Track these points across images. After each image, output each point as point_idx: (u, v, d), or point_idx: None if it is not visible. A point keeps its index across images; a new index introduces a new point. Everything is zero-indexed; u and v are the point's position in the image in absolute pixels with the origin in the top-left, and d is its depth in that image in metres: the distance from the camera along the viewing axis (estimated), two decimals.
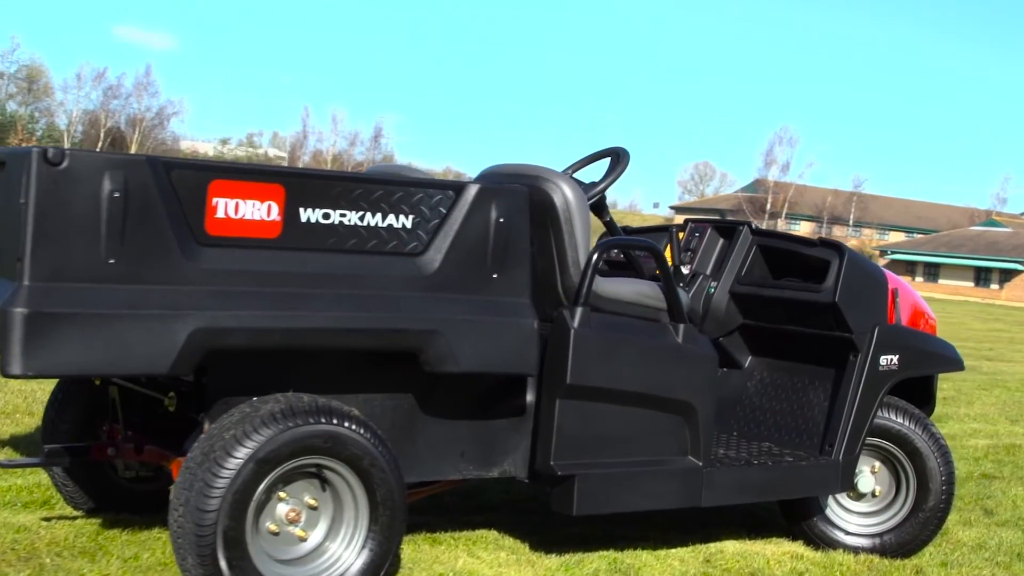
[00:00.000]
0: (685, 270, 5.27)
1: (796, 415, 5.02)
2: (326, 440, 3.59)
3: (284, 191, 3.56)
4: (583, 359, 4.07)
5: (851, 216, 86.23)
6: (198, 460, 3.49)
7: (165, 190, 3.38)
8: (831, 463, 4.77)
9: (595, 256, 4.13)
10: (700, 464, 4.40)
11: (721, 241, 5.30)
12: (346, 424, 3.63)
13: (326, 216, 3.64)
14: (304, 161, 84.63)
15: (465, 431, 4.18)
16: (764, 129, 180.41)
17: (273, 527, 3.63)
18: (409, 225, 3.77)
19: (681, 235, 5.45)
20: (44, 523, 4.34)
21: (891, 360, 4.87)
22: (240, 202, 3.51)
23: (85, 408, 4.41)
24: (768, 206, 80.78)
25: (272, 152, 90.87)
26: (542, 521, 5.05)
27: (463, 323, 3.80)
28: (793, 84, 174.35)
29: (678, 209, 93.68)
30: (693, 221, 5.51)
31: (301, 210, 3.60)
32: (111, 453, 4.12)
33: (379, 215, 3.72)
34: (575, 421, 4.13)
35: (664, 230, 5.56)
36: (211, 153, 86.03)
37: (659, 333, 4.31)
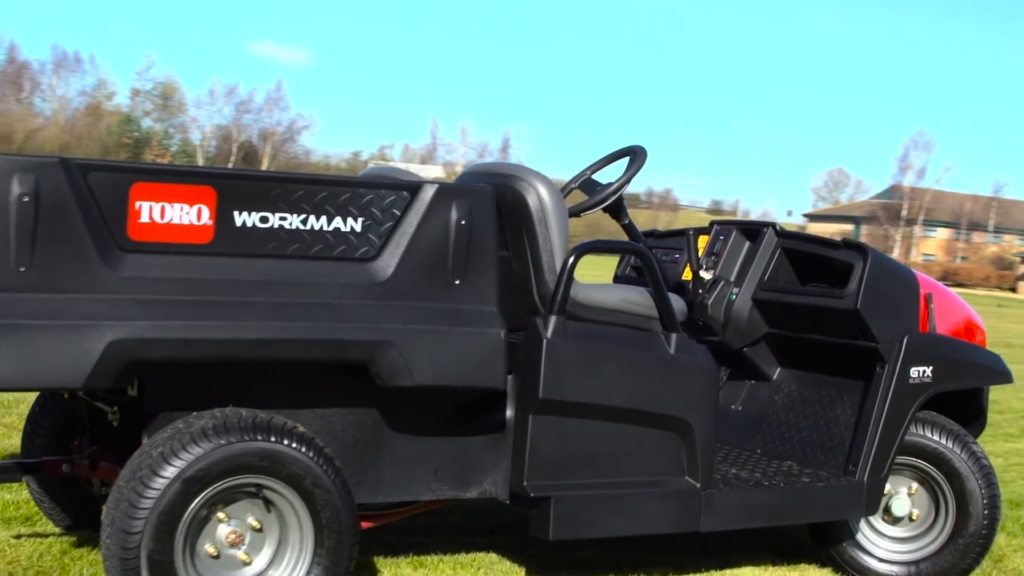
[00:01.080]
0: (708, 275, 4.93)
1: (822, 431, 4.63)
2: (262, 458, 3.37)
3: (215, 194, 3.35)
4: (557, 372, 3.77)
5: (991, 222, 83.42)
6: (126, 478, 3.31)
7: (81, 193, 3.20)
8: (855, 484, 4.38)
9: (571, 260, 3.84)
10: (698, 485, 4.05)
11: (747, 244, 4.94)
12: (285, 441, 3.40)
13: (264, 220, 3.42)
14: (434, 172, 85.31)
15: (438, 448, 3.91)
16: (899, 134, 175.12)
17: (212, 550, 3.42)
18: (359, 229, 3.53)
19: (705, 238, 5.11)
20: (14, 540, 4.22)
21: (923, 372, 4.46)
22: (166, 206, 3.31)
23: (60, 422, 4.28)
24: (904, 212, 78.64)
25: (403, 165, 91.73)
26: (550, 544, 4.74)
27: (418, 333, 3.54)
28: (929, 87, 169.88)
29: (811, 217, 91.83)
30: (719, 223, 5.16)
31: (235, 214, 3.38)
32: (66, 469, 3.96)
33: (324, 218, 3.49)
34: (550, 438, 3.83)
35: (701, 232, 5.22)
36: (343, 167, 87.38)
37: (647, 343, 3.98)
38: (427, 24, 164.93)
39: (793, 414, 4.79)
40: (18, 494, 4.79)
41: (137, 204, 3.27)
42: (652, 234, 5.54)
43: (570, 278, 3.84)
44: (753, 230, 4.95)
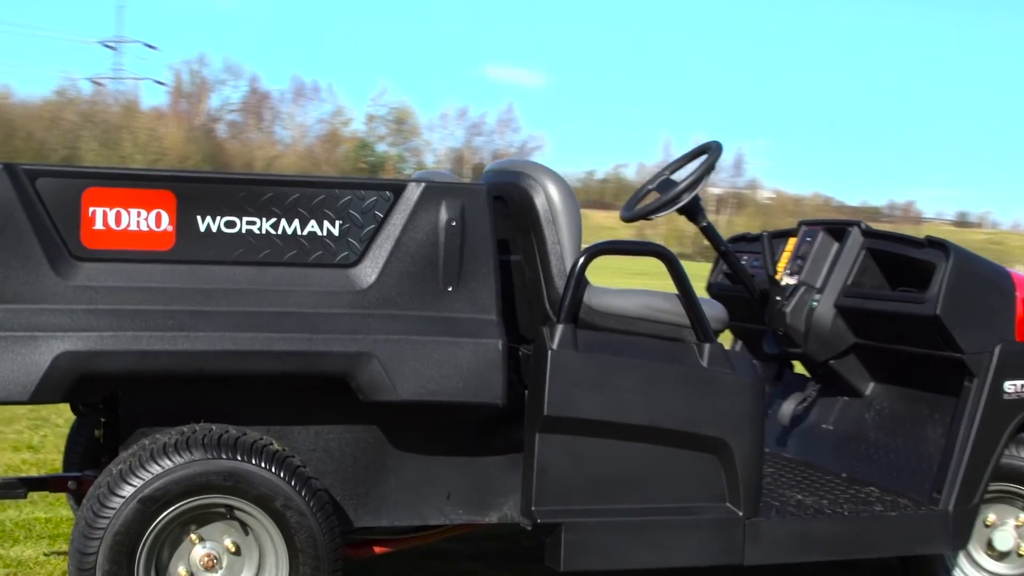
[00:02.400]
0: (792, 280, 4.47)
1: (911, 454, 4.12)
2: (226, 478, 3.17)
3: (175, 198, 3.19)
4: (564, 386, 3.44)
5: None
6: (88, 497, 3.17)
7: (28, 200, 3.08)
8: (938, 514, 3.86)
9: (580, 262, 3.50)
10: (740, 513, 3.63)
11: (835, 246, 4.46)
12: (253, 460, 3.19)
13: (230, 224, 3.23)
14: None
15: (450, 470, 3.64)
16: None
17: (184, 573, 3.25)
18: (336, 232, 3.30)
19: (794, 241, 4.66)
20: (44, 557, 4.17)
21: (1021, 387, 3.90)
22: (122, 211, 3.16)
23: (94, 439, 4.21)
24: None
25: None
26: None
27: (402, 344, 3.28)
28: None
29: None
30: (806, 223, 4.69)
31: (198, 218, 3.20)
32: (71, 486, 3.87)
33: (297, 222, 3.27)
34: (560, 460, 3.49)
35: (788, 234, 4.78)
36: (578, 186, 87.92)
37: (675, 354, 3.59)
38: (660, 43, 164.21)
39: (883, 434, 4.28)
40: (54, 511, 4.77)
41: (90, 210, 3.13)
42: (743, 238, 5.11)
43: (580, 282, 3.50)
44: (839, 230, 4.47)
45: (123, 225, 3.16)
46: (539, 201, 3.56)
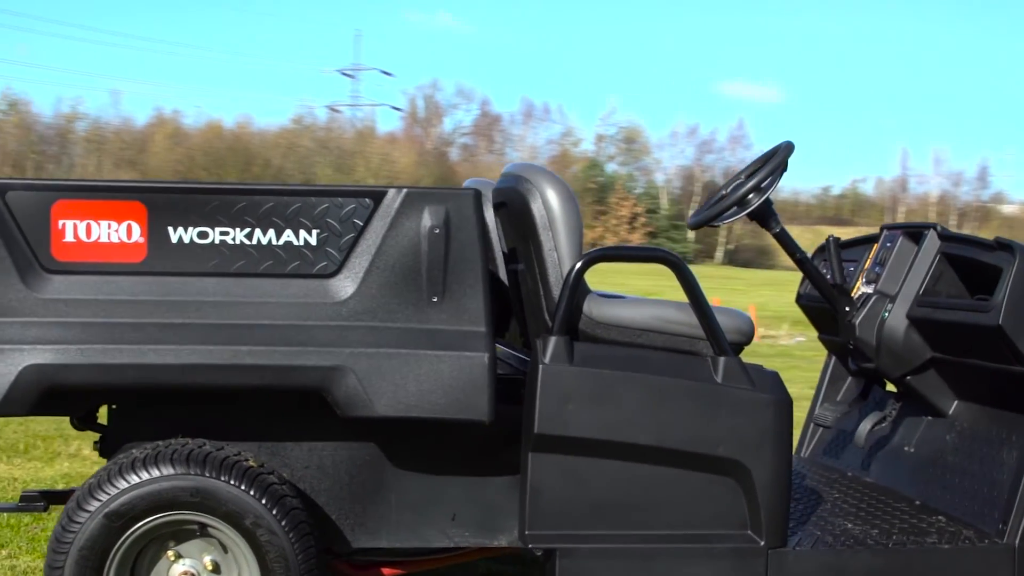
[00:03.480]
0: (867, 289, 4.11)
1: (985, 480, 3.70)
2: (193, 494, 3.10)
3: (146, 209, 3.14)
4: (558, 402, 3.22)
5: None
6: (63, 511, 3.16)
7: None
8: (1002, 548, 3.44)
9: (576, 269, 3.27)
10: (762, 543, 3.32)
11: (915, 250, 4.07)
12: (223, 477, 3.11)
13: (203, 235, 3.16)
14: (907, 204, 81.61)
15: (454, 490, 3.47)
16: None
17: None
18: (314, 242, 3.19)
19: (877, 248, 4.29)
20: None
21: None
22: (93, 223, 3.13)
23: None
24: None
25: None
26: None
27: (380, 358, 3.13)
28: None
29: None
30: (888, 227, 4.31)
31: (170, 230, 3.15)
32: None
33: (272, 232, 3.17)
34: (555, 481, 3.27)
35: (872, 241, 4.41)
36: (812, 202, 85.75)
37: (686, 369, 3.32)
38: (896, 53, 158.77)
39: (961, 457, 3.87)
40: None
41: (60, 223, 3.12)
42: (832, 241, 4.73)
43: (575, 291, 3.27)
44: (917, 233, 4.08)
45: (94, 237, 3.13)
46: (535, 206, 3.36)
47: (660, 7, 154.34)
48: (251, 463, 3.18)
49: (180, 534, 3.19)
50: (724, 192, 4.05)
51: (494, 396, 3.17)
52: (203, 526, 3.16)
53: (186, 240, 3.15)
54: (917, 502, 3.92)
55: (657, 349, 3.37)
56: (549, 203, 3.35)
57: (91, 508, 3.07)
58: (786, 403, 3.35)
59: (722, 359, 3.32)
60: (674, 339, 3.38)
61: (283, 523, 3.12)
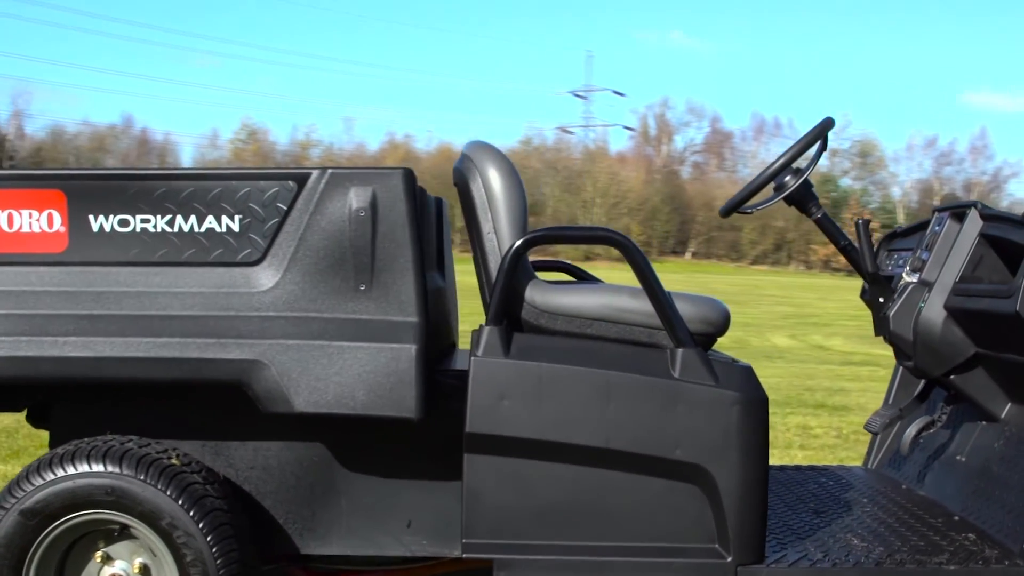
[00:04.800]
0: (911, 278, 3.65)
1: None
2: (108, 492, 2.97)
3: (65, 197, 3.04)
4: (491, 399, 2.94)
5: None
6: None
7: None
8: (1022, 572, 2.95)
9: (510, 254, 2.98)
10: (729, 558, 2.95)
11: (956, 232, 3.60)
12: (140, 476, 2.97)
13: (124, 223, 3.03)
14: None
15: (412, 494, 3.23)
16: None
17: None
18: (237, 228, 3.01)
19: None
20: None
21: None
22: (14, 213, 3.05)
23: None
24: None
25: None
26: None
27: (299, 351, 2.94)
28: None
29: None
30: (939, 209, 3.82)
31: (91, 218, 3.03)
32: None
33: (194, 218, 3.02)
34: (494, 485, 2.98)
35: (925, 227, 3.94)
36: None
37: (638, 362, 2.98)
38: None
39: (1007, 467, 3.37)
40: None
41: None
42: (895, 234, 4.27)
43: (511, 275, 2.99)
44: (962, 213, 3.60)
45: (15, 227, 3.05)
46: (475, 186, 3.10)
47: (900, 19, 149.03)
48: (174, 461, 3.03)
49: (109, 535, 3.07)
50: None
51: (424, 391, 2.93)
52: (124, 527, 3.03)
53: (107, 228, 3.03)
54: (956, 517, 3.44)
55: (610, 341, 3.05)
56: (489, 182, 3.08)
57: (7, 505, 2.98)
58: (757, 401, 2.97)
59: (680, 351, 2.97)
60: (630, 329, 3.05)
61: (201, 525, 2.96)
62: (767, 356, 14.23)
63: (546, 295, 3.06)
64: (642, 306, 3.02)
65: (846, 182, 72.96)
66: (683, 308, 3.02)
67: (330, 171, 2.98)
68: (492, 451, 2.96)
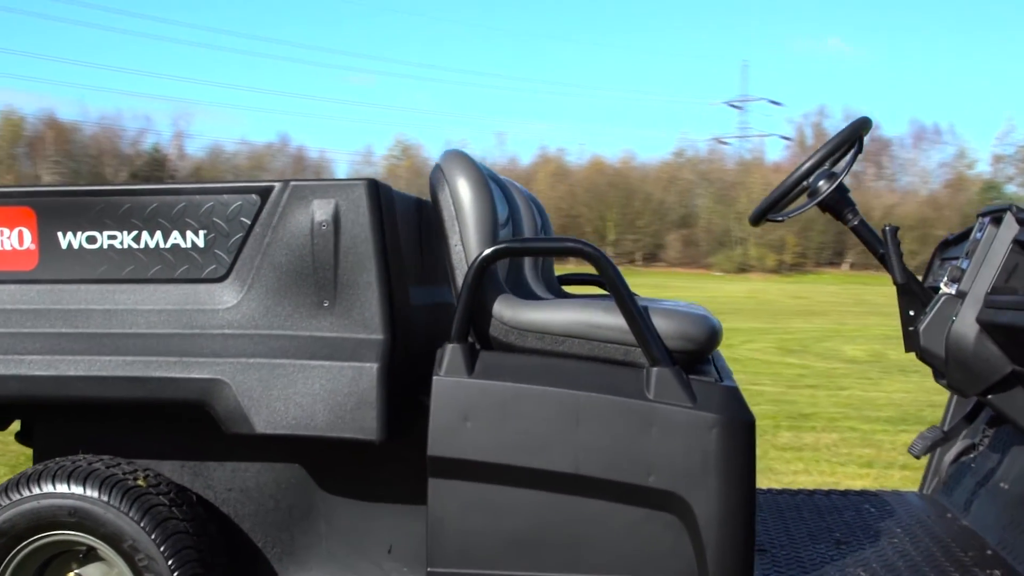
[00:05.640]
0: (949, 289, 3.37)
1: None
2: (71, 513, 2.92)
3: (35, 214, 3.01)
4: (453, 420, 2.79)
5: None
6: None
7: None
8: None
9: (474, 267, 2.82)
10: None
11: (992, 239, 3.31)
12: (104, 497, 2.91)
13: (92, 240, 2.99)
14: None
15: (393, 519, 3.11)
16: None
17: None
18: (202, 244, 2.94)
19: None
20: None
21: None
22: None
23: None
24: None
25: None
26: None
27: (259, 370, 2.84)
28: None
29: None
30: (982, 213, 3.52)
31: (59, 235, 3.00)
32: None
33: (160, 234, 2.96)
34: (459, 511, 2.83)
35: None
36: None
37: (610, 382, 2.79)
38: None
39: None
40: None
41: None
42: (947, 242, 3.97)
43: (475, 290, 2.83)
44: (999, 218, 3.31)
45: None
46: (443, 196, 2.95)
47: None
48: (139, 482, 2.97)
49: (80, 556, 3.03)
50: (805, 183, 3.49)
51: (388, 413, 2.80)
52: (92, 548, 2.98)
53: (76, 245, 3.00)
54: (989, 551, 3.15)
55: (583, 359, 2.86)
56: (457, 193, 2.94)
57: None
58: (739, 423, 2.74)
59: (655, 370, 2.77)
60: (604, 346, 2.86)
61: (162, 548, 2.89)
62: (902, 370, 13.68)
63: (515, 310, 2.90)
64: (616, 322, 2.83)
65: (1011, 188, 70.11)
66: (661, 324, 2.82)
67: (292, 183, 2.88)
68: (456, 475, 2.81)
